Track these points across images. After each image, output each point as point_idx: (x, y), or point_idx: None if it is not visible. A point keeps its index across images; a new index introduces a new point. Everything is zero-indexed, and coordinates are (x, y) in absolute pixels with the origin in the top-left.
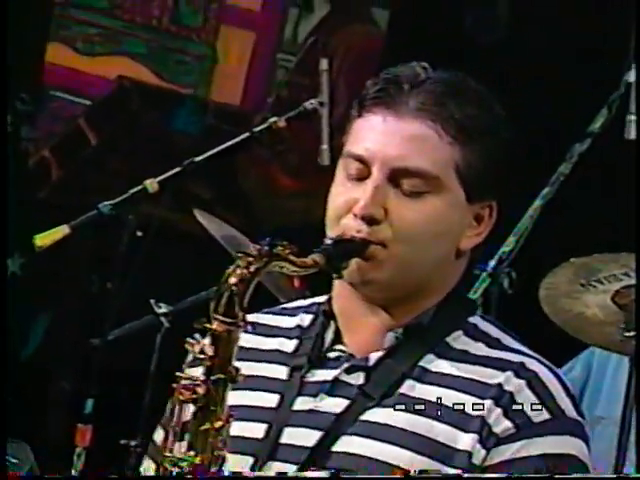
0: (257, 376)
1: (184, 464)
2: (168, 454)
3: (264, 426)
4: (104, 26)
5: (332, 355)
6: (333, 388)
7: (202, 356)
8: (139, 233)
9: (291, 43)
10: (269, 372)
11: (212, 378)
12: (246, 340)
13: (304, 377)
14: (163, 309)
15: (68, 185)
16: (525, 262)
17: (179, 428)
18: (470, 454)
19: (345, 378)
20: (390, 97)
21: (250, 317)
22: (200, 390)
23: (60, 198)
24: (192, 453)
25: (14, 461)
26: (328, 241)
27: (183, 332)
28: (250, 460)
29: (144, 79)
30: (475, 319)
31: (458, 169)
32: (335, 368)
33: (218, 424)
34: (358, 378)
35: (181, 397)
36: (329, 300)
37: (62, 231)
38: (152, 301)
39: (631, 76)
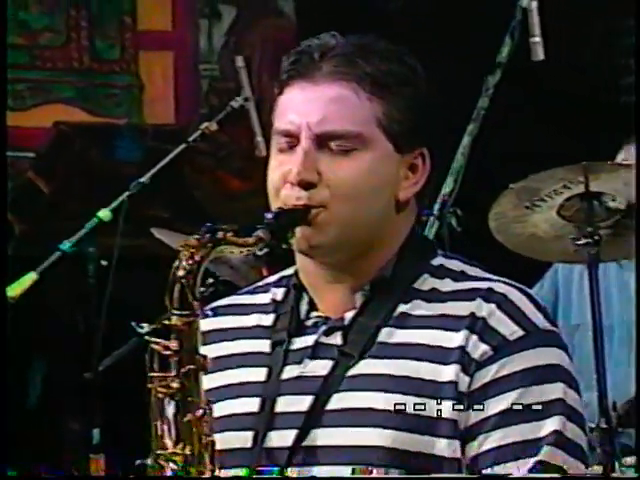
0: (242, 353)
1: (177, 458)
2: (160, 451)
3: (257, 400)
4: (30, 79)
5: (309, 323)
6: (315, 352)
7: (168, 352)
8: (104, 262)
9: (209, 52)
10: (253, 347)
11: (183, 371)
12: (226, 321)
13: (287, 347)
14: (146, 329)
15: (32, 237)
16: (468, 198)
17: (165, 425)
18: (456, 384)
19: (325, 340)
20: (304, 67)
21: (226, 300)
22: (174, 384)
23: (27, 251)
24: (181, 446)
25: None
26: (269, 215)
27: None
28: (250, 435)
29: (79, 120)
30: (438, 259)
31: (380, 123)
32: (314, 333)
33: (199, 412)
34: (336, 338)
35: (159, 395)
36: (296, 273)
37: (30, 278)
38: (133, 323)
39: (524, 1)
